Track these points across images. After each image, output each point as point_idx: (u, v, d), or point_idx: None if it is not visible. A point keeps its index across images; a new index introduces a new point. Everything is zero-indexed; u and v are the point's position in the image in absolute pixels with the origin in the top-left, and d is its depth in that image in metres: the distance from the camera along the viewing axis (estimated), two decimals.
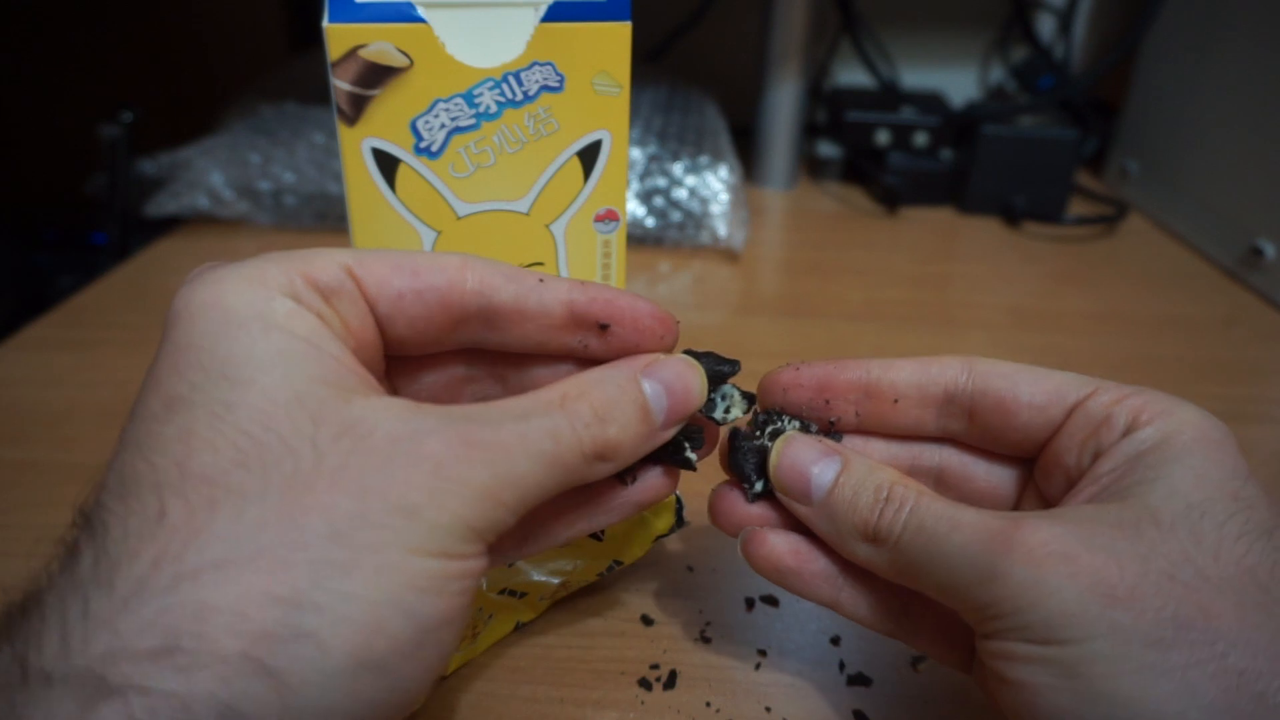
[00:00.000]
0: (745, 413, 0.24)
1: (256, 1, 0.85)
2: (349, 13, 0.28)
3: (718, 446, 0.25)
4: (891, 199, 0.68)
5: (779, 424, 0.25)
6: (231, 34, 0.87)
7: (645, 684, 0.27)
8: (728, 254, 0.59)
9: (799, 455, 0.24)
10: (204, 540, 0.16)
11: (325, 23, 0.28)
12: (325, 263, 0.20)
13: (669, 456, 0.23)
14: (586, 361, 0.23)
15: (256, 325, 0.18)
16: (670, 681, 0.27)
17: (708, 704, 0.26)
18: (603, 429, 0.20)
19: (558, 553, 0.27)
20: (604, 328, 0.22)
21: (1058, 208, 0.66)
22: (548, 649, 0.28)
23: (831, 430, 0.26)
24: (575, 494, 0.22)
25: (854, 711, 0.26)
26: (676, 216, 0.58)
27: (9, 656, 0.15)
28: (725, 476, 0.26)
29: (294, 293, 0.19)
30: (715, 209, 0.58)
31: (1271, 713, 0.17)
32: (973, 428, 0.24)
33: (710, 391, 0.23)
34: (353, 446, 0.17)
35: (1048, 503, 0.24)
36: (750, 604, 0.30)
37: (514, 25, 0.29)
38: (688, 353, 0.23)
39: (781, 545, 0.24)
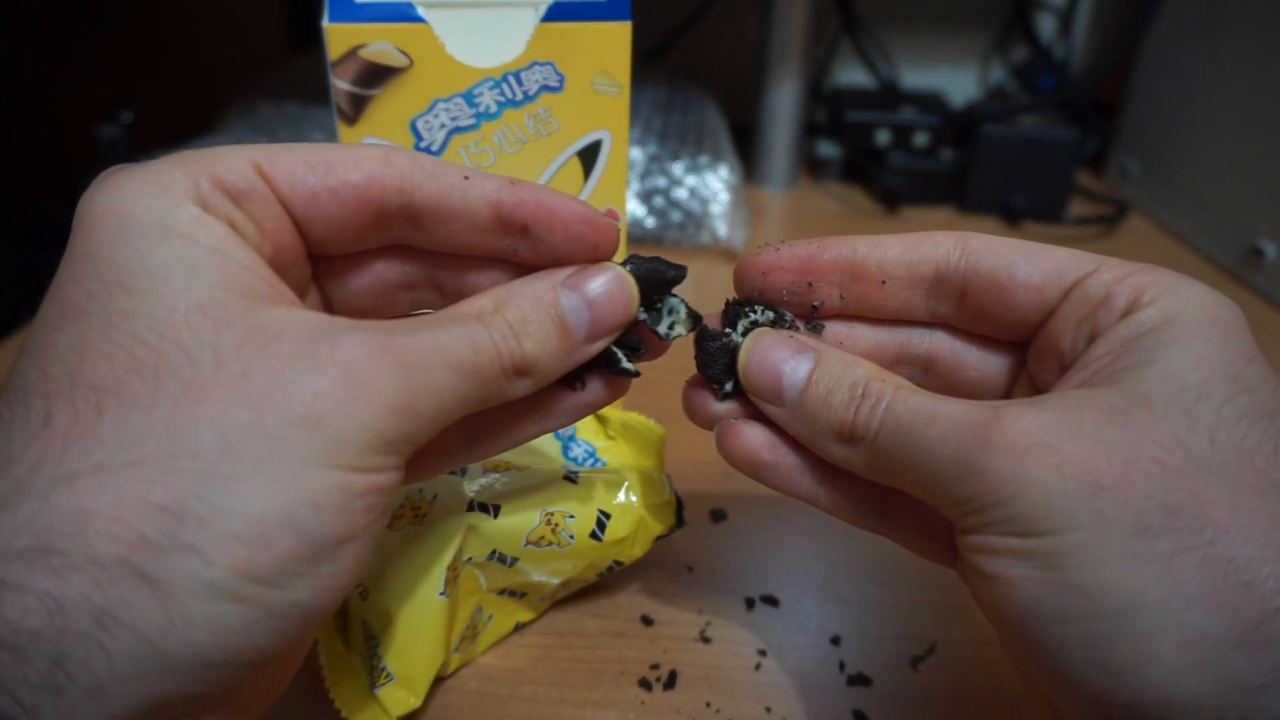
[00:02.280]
0: (690, 331, 0.23)
1: (256, 1, 0.85)
2: (349, 13, 0.28)
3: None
4: (891, 199, 0.68)
5: (752, 316, 0.24)
6: (231, 34, 0.87)
7: (645, 684, 0.27)
8: (728, 254, 0.59)
9: (769, 353, 0.22)
10: (85, 444, 0.15)
11: (325, 22, 0.28)
12: (233, 161, 0.18)
13: (606, 366, 0.22)
14: (519, 268, 0.22)
15: (156, 233, 0.17)
16: (670, 681, 0.27)
17: (708, 704, 0.26)
18: (518, 344, 0.19)
19: (558, 554, 0.27)
20: (525, 230, 0.20)
21: (1058, 208, 0.66)
22: (547, 649, 0.28)
23: (814, 316, 0.24)
24: (524, 399, 0.21)
25: (854, 711, 0.26)
26: (676, 216, 0.58)
27: None
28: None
29: (200, 198, 0.18)
30: (715, 209, 0.58)
31: (1259, 601, 0.16)
32: (964, 310, 0.23)
33: (656, 300, 0.22)
34: (257, 352, 0.16)
35: (1040, 391, 0.22)
36: (750, 604, 0.30)
37: (514, 25, 0.29)
38: (631, 260, 0.22)
39: (756, 438, 0.23)
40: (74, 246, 0.17)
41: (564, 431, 0.31)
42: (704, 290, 0.54)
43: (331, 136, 0.58)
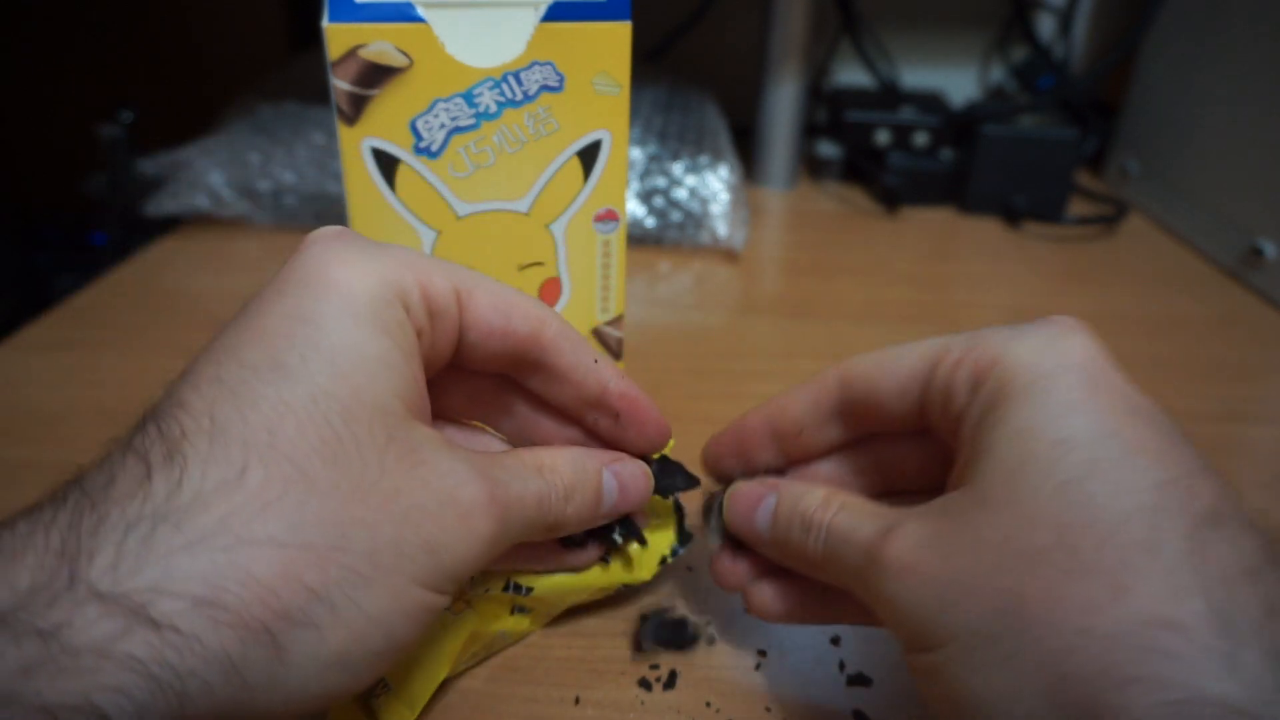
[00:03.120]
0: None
1: (256, 1, 0.85)
2: (349, 12, 0.28)
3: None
4: (891, 199, 0.68)
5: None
6: (231, 34, 0.87)
7: (645, 684, 0.27)
8: (728, 254, 0.59)
9: (741, 501, 0.26)
10: (270, 516, 0.17)
11: (325, 22, 0.28)
12: (442, 283, 0.22)
13: (599, 533, 0.27)
14: (587, 437, 0.26)
15: (371, 326, 0.20)
16: (670, 681, 0.27)
17: (708, 704, 0.26)
18: (564, 505, 0.23)
19: (571, 579, 0.27)
20: (617, 417, 0.25)
21: (1058, 208, 0.66)
22: (548, 649, 0.28)
23: (779, 474, 0.27)
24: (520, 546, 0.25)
25: (854, 711, 0.26)
26: (676, 216, 0.58)
27: (57, 554, 0.16)
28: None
29: (409, 303, 0.21)
30: (715, 209, 0.58)
31: (1082, 690, 0.17)
32: (871, 426, 0.25)
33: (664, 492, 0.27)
34: (407, 474, 0.19)
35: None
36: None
37: (514, 25, 0.29)
38: (661, 459, 0.27)
39: (765, 595, 0.26)
40: (294, 299, 0.20)
41: None
42: (704, 290, 0.54)
43: (331, 136, 0.58)
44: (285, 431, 0.18)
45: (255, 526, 0.17)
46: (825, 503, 0.23)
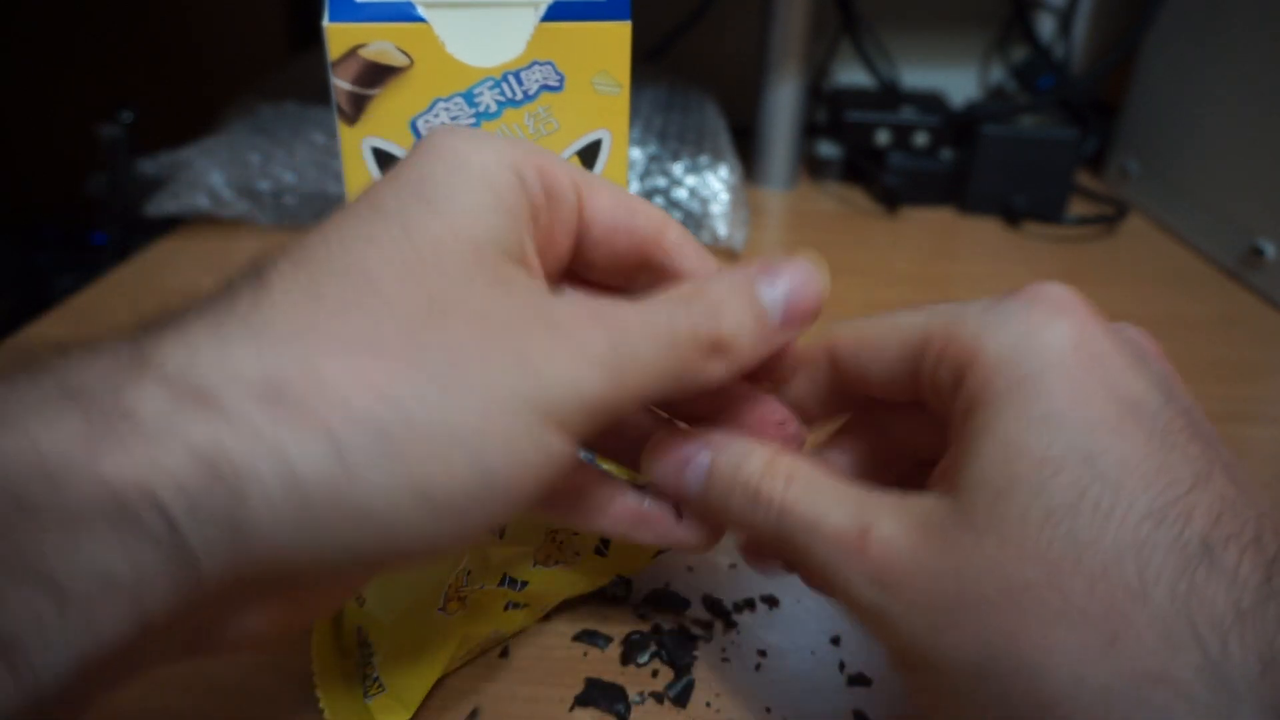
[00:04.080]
0: None
1: (256, 1, 0.85)
2: (349, 12, 0.28)
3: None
4: (891, 199, 0.68)
5: None
6: (231, 34, 0.87)
7: (645, 685, 0.27)
8: (728, 254, 0.59)
9: (662, 455, 0.23)
10: (345, 326, 0.16)
11: (325, 22, 0.28)
12: (563, 173, 0.21)
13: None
14: None
15: (477, 174, 0.19)
16: (671, 682, 0.27)
17: (708, 704, 0.26)
18: (717, 323, 0.20)
19: (565, 571, 0.27)
20: None
21: (1058, 208, 0.66)
22: (548, 649, 0.28)
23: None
24: (628, 508, 0.23)
25: (854, 711, 0.26)
26: (676, 216, 0.58)
27: (131, 347, 0.16)
28: None
29: (525, 177, 0.20)
30: (715, 209, 0.58)
31: None
32: (863, 399, 0.24)
33: None
34: (498, 298, 0.18)
35: None
36: (750, 604, 0.30)
37: (514, 25, 0.29)
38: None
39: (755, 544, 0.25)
40: (406, 163, 0.20)
41: None
42: None
43: (332, 136, 0.58)
44: (369, 257, 0.17)
45: (326, 332, 0.16)
46: (771, 470, 0.21)
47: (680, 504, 0.23)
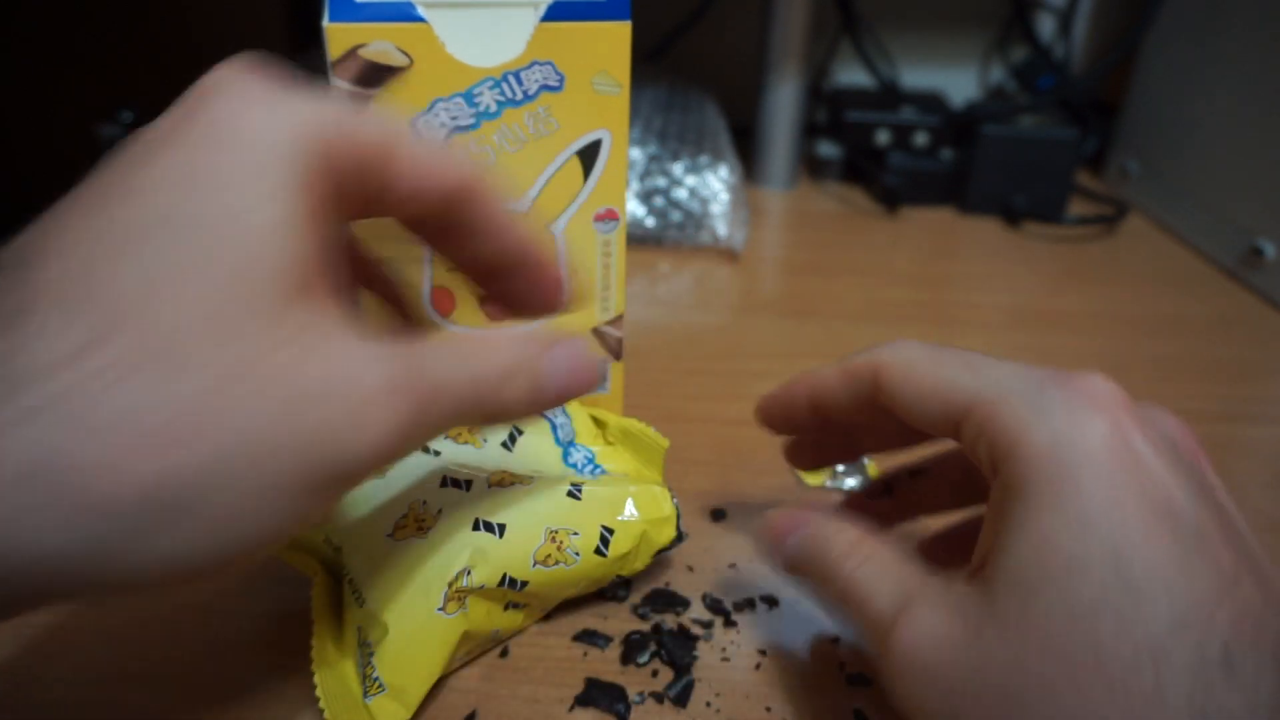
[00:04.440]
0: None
1: (256, 1, 0.85)
2: (349, 12, 0.28)
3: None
4: (891, 199, 0.68)
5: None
6: (231, 34, 0.87)
7: (644, 685, 0.27)
8: (728, 254, 0.59)
9: (772, 529, 0.26)
10: (128, 388, 0.15)
11: (325, 22, 0.28)
12: (369, 131, 0.19)
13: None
14: (498, 300, 0.25)
15: (279, 184, 0.17)
16: (671, 682, 0.27)
17: (708, 704, 0.26)
18: (498, 390, 0.20)
19: (564, 572, 0.27)
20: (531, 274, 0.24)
21: (1058, 208, 0.66)
22: (547, 649, 0.28)
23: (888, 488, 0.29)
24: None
25: (854, 711, 0.26)
26: (676, 216, 0.58)
27: None
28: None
29: (329, 155, 0.18)
30: (715, 209, 0.58)
31: None
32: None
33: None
34: (302, 353, 0.17)
35: None
36: (750, 604, 0.30)
37: (514, 25, 0.29)
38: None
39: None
40: (190, 147, 0.17)
41: (563, 436, 0.31)
42: (704, 290, 0.54)
43: None
44: (161, 297, 0.16)
45: (96, 402, 0.15)
46: (850, 553, 0.23)
47: (779, 566, 0.26)
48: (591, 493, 0.28)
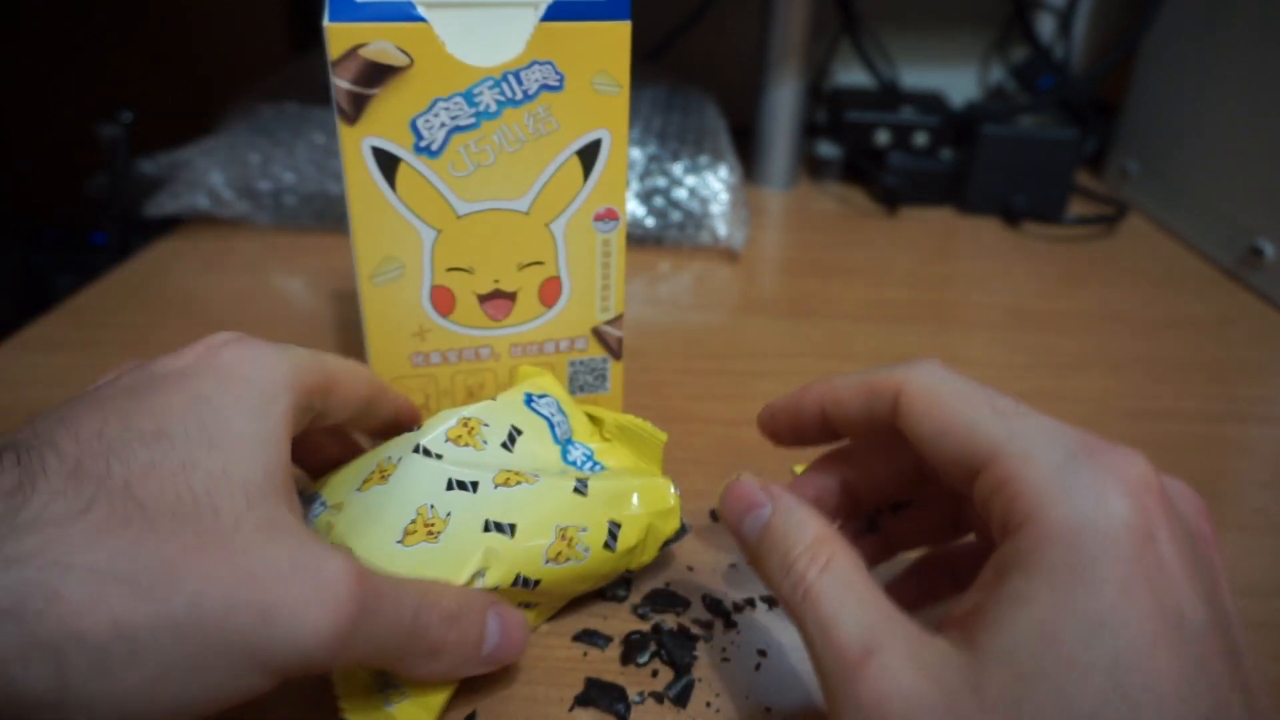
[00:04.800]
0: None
1: (256, 1, 0.85)
2: (349, 12, 0.28)
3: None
4: (891, 199, 0.68)
5: None
6: (231, 34, 0.87)
7: (644, 685, 0.27)
8: (728, 254, 0.59)
9: (735, 498, 0.24)
10: (99, 546, 0.18)
11: (325, 22, 0.28)
12: (323, 373, 0.25)
13: None
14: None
15: (260, 412, 0.22)
16: (671, 683, 0.27)
17: (708, 704, 0.26)
18: (445, 630, 0.23)
19: (575, 569, 0.27)
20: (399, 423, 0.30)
21: (1058, 208, 0.66)
22: (548, 649, 0.28)
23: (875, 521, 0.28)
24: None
25: None
26: (676, 216, 0.58)
27: None
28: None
29: (299, 392, 0.23)
30: (715, 209, 0.58)
31: None
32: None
33: None
34: (266, 538, 0.20)
35: None
36: (750, 604, 0.30)
37: (514, 25, 0.29)
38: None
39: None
40: (198, 380, 0.22)
41: (561, 434, 0.31)
42: (704, 290, 0.54)
43: (332, 136, 0.58)
44: (145, 485, 0.19)
45: (80, 553, 0.17)
46: (813, 551, 0.21)
47: (738, 539, 0.24)
48: (597, 488, 0.28)
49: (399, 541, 0.26)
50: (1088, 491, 0.18)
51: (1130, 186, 0.70)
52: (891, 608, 0.20)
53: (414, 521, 0.26)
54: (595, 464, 0.31)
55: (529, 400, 0.31)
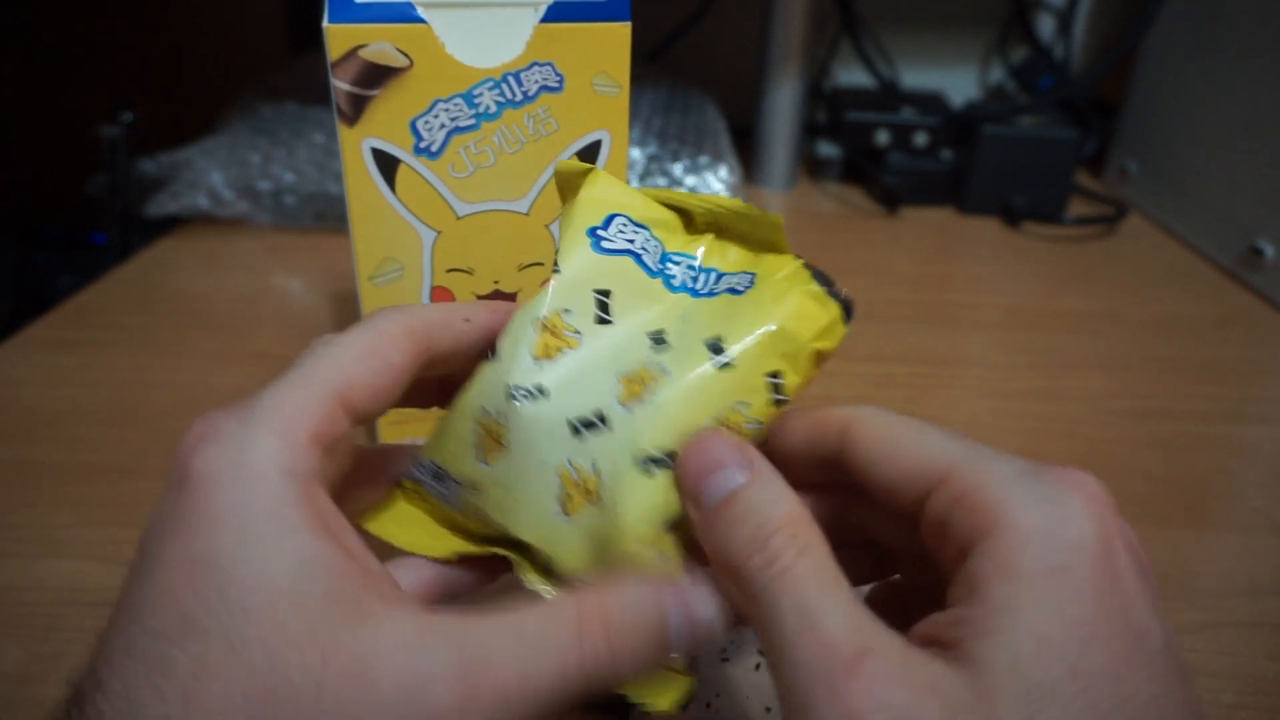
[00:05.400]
0: None
1: (256, 1, 0.85)
2: (349, 13, 0.28)
3: None
4: (891, 199, 0.68)
5: None
6: (231, 34, 0.87)
7: None
8: None
9: (699, 455, 0.21)
10: None
11: (325, 23, 0.28)
12: (322, 407, 0.20)
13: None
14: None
15: (270, 535, 0.18)
16: None
17: (708, 704, 0.26)
18: (613, 664, 0.19)
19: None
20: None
21: (1058, 208, 0.66)
22: None
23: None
24: None
25: None
26: None
27: None
28: None
29: (303, 471, 0.19)
30: None
31: None
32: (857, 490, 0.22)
33: None
34: (354, 689, 0.17)
35: None
36: None
37: (514, 25, 0.29)
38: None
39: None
40: (184, 537, 0.18)
41: (652, 260, 0.25)
42: None
43: (332, 136, 0.58)
44: (204, 698, 0.16)
45: None
46: (794, 530, 0.19)
47: (690, 497, 0.21)
48: (744, 354, 0.23)
49: (561, 516, 0.22)
50: (1052, 500, 0.18)
51: (1130, 186, 0.70)
52: (867, 609, 0.18)
53: (562, 489, 0.22)
54: (705, 271, 0.25)
55: (596, 243, 0.24)
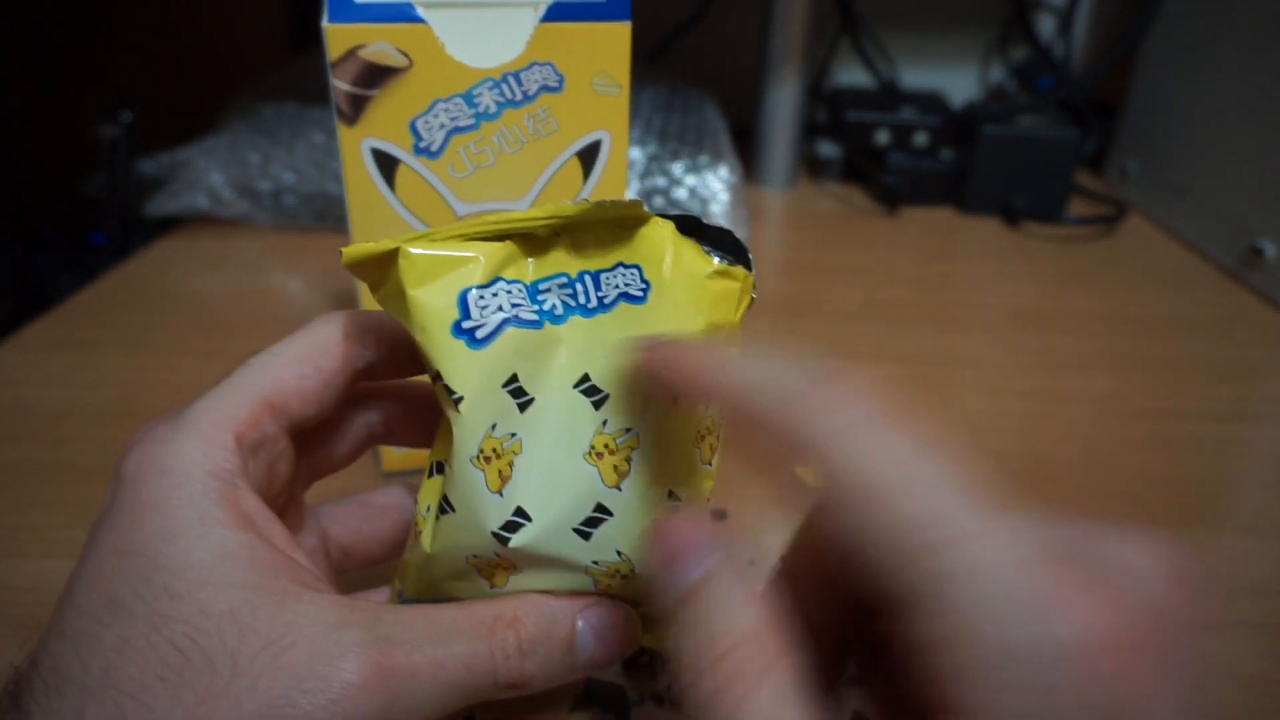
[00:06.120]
0: None
1: (256, 1, 0.85)
2: (349, 13, 0.28)
3: None
4: (891, 199, 0.68)
5: None
6: (231, 34, 0.87)
7: (644, 687, 0.27)
8: None
9: (671, 539, 0.18)
10: None
11: (325, 23, 0.28)
12: (249, 411, 0.21)
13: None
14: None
15: (195, 527, 0.19)
16: (669, 685, 0.27)
17: None
18: (521, 663, 0.20)
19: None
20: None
21: (1058, 208, 0.66)
22: None
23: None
24: None
25: (854, 712, 0.26)
26: None
27: None
28: None
29: (226, 471, 0.20)
30: (715, 209, 0.58)
31: None
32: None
33: None
34: (269, 664, 0.18)
35: None
36: None
37: (514, 25, 0.29)
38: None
39: None
40: (113, 529, 0.19)
41: (520, 304, 0.21)
42: None
43: (332, 136, 0.58)
44: (124, 669, 0.17)
45: None
46: (751, 652, 0.16)
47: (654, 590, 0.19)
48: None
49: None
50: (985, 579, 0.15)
51: (1130, 186, 0.70)
52: None
53: (596, 583, 0.22)
54: (580, 279, 0.22)
55: (470, 339, 0.20)
